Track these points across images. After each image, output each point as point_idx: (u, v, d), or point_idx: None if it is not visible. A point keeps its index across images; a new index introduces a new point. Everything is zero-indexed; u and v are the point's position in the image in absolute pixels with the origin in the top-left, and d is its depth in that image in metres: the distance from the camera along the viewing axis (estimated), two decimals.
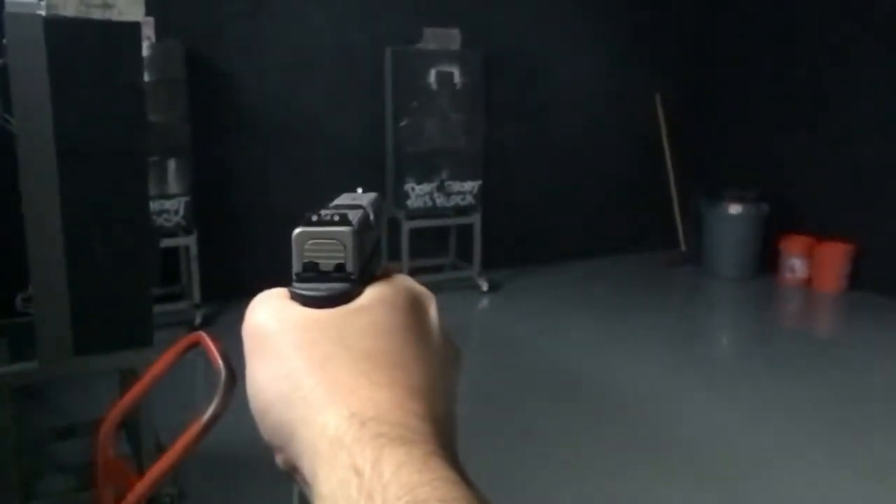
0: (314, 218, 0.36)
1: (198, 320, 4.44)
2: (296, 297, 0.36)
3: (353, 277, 0.36)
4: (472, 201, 5.33)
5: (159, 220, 4.22)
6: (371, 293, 0.36)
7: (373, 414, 0.31)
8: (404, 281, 0.39)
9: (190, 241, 4.49)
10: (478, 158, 5.33)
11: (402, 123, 5.11)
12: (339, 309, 0.35)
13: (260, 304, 0.37)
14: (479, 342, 4.55)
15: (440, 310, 0.39)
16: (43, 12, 2.12)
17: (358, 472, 0.29)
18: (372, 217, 0.40)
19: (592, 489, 2.90)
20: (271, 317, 0.36)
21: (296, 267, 0.36)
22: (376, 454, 0.29)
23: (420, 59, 5.08)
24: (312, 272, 0.36)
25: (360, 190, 0.46)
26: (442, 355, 0.37)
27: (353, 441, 0.30)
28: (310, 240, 0.36)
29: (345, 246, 0.36)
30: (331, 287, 0.36)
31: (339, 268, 0.36)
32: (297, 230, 0.36)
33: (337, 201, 0.43)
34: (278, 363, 0.34)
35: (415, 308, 0.37)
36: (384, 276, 0.39)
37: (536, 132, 5.90)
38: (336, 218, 0.36)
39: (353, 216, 0.37)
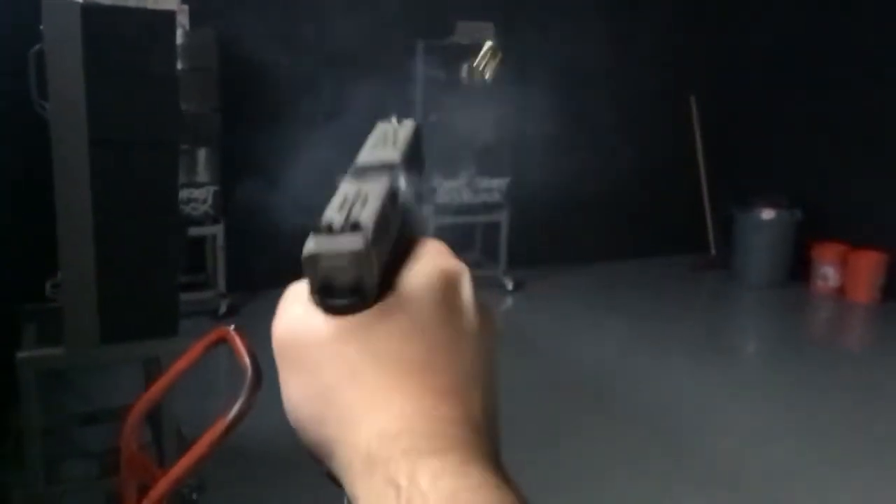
0: (324, 224, 0.32)
1: (222, 309, 4.46)
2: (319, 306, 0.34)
3: (370, 292, 0.33)
4: (500, 199, 5.29)
5: (187, 209, 4.24)
6: (397, 290, 0.34)
7: (404, 428, 0.31)
8: (432, 261, 0.36)
9: (217, 231, 4.51)
10: (507, 156, 5.29)
11: (432, 118, 5.08)
12: (365, 314, 0.33)
13: (287, 308, 0.35)
14: (501, 341, 4.51)
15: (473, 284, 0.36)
16: None
17: (395, 485, 0.28)
18: (400, 184, 0.37)
19: (613, 492, 2.86)
20: (298, 325, 0.34)
21: (311, 289, 0.33)
22: (411, 467, 0.29)
23: (452, 53, 5.05)
24: (329, 290, 0.33)
25: (393, 119, 0.42)
26: (479, 338, 0.36)
27: (387, 459, 0.30)
28: (321, 263, 0.32)
29: (359, 264, 0.32)
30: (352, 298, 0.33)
31: (356, 283, 0.33)
32: (306, 253, 0.32)
33: (367, 147, 0.39)
34: (308, 378, 0.34)
35: (446, 293, 0.35)
36: (413, 243, 0.36)
37: (567, 131, 5.83)
38: (349, 225, 0.32)
39: (369, 214, 0.33)
